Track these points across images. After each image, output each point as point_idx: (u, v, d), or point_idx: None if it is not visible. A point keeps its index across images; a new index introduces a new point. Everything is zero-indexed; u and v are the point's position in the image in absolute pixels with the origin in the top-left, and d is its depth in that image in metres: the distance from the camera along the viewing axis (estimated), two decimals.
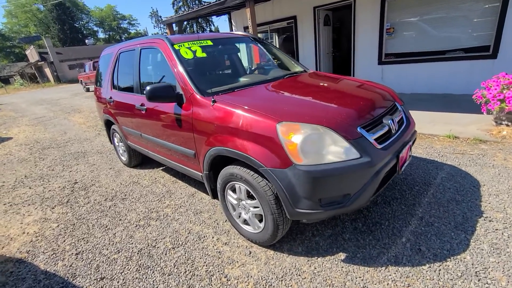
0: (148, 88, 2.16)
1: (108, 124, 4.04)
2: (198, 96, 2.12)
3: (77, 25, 48.11)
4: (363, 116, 1.81)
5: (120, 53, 3.36)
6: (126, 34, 60.77)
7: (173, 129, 2.41)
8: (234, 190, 2.11)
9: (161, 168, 3.85)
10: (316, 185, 1.57)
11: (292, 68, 3.03)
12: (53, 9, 41.88)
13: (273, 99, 2.02)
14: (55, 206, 3.11)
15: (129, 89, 3.13)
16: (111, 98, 3.49)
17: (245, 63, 3.47)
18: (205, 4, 6.28)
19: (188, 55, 2.43)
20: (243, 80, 2.63)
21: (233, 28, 9.43)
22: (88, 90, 16.98)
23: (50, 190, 3.54)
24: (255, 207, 1.95)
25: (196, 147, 2.22)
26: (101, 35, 58.28)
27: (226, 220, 2.46)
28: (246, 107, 1.83)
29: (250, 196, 1.97)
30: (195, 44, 2.58)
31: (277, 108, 1.81)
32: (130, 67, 3.09)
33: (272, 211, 1.78)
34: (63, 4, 42.88)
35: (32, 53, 31.93)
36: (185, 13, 6.61)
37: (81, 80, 17.34)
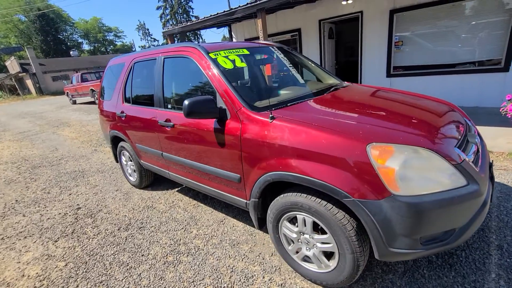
0: (186, 102, 1.84)
1: (115, 141, 3.64)
2: (249, 112, 1.82)
3: (61, 37, 46.92)
4: (454, 134, 1.57)
5: (134, 63, 3.03)
6: (112, 46, 59.93)
7: (211, 149, 2.08)
8: (291, 221, 1.79)
9: (177, 189, 3.47)
10: (420, 220, 1.29)
11: (328, 80, 2.81)
12: (36, 20, 40.71)
13: (342, 115, 1.74)
14: (58, 238, 2.65)
15: (147, 103, 2.79)
16: (122, 112, 3.13)
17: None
18: (212, 15, 6.08)
19: (228, 65, 2.15)
20: (284, 93, 2.37)
21: (233, 41, 9.27)
22: (74, 102, 16.25)
23: (49, 218, 3.06)
24: (324, 243, 1.64)
25: (243, 171, 1.90)
26: (86, 47, 57.14)
27: (272, 254, 2.12)
28: (317, 125, 1.55)
29: (317, 229, 1.66)
30: (231, 52, 2.30)
31: (357, 125, 1.53)
32: (149, 78, 2.77)
33: (353, 249, 1.48)
34: (47, 15, 41.83)
35: (12, 64, 30.57)
36: (188, 23, 6.37)
37: (67, 92, 16.56)
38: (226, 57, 2.23)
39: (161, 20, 52.77)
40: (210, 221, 2.67)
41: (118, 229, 2.69)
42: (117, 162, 3.88)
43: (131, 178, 3.65)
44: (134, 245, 2.42)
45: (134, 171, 3.49)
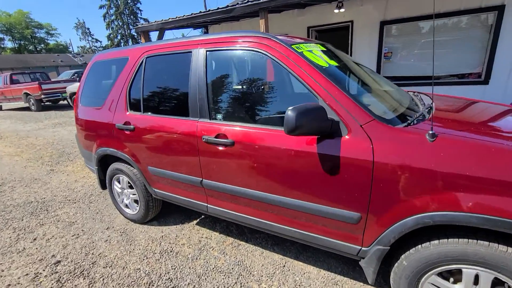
0: (291, 113, 1.26)
1: (104, 162, 2.72)
2: (385, 126, 1.31)
3: None
4: None
5: (147, 58, 2.24)
6: (43, 45, 52.57)
7: (309, 177, 1.49)
8: (440, 274, 1.31)
9: (195, 221, 2.70)
10: None
11: (386, 87, 2.44)
12: None
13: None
14: None
15: (175, 112, 2.04)
16: (127, 123, 2.29)
17: None
18: (203, 12, 5.37)
19: (321, 62, 1.60)
20: (369, 100, 1.89)
21: None
22: (0, 108, 13.37)
23: (10, 285, 2.02)
24: None
25: (368, 208, 1.36)
26: (8, 44, 49.00)
27: None
28: None
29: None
30: (311, 47, 1.76)
31: None
32: (177, 78, 2.05)
33: None
34: None
35: None
36: (170, 20, 5.53)
37: None
38: (310, 51, 1.68)
39: (104, 20, 48.55)
40: (268, 267, 2.02)
41: None
42: (103, 188, 2.91)
43: (128, 210, 2.74)
44: None
45: (136, 201, 2.62)
